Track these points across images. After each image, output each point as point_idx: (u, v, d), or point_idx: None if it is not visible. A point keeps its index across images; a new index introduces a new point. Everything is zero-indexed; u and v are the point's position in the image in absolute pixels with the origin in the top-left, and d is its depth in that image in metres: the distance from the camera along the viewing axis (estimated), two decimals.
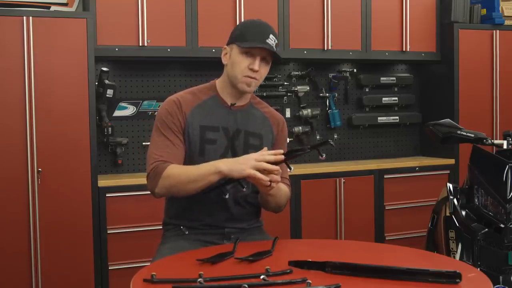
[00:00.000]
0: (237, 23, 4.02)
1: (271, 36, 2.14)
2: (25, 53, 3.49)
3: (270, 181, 1.96)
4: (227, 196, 2.07)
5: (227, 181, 2.03)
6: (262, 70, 2.16)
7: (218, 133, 2.18)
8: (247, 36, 2.14)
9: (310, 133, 4.65)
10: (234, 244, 1.99)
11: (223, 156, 2.14)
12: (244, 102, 2.26)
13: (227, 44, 2.21)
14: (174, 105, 2.18)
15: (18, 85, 3.49)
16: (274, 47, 2.15)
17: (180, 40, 3.97)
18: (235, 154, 2.18)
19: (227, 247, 1.99)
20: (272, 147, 2.27)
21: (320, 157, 2.01)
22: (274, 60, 2.20)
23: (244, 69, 2.14)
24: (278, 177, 1.98)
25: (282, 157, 1.97)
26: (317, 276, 1.66)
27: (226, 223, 2.21)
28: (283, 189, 2.21)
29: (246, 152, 2.19)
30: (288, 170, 2.09)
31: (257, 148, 2.22)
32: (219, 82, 2.26)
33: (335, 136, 4.80)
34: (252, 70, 2.14)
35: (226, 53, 2.21)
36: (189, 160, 2.16)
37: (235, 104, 2.23)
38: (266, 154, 1.97)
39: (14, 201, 3.50)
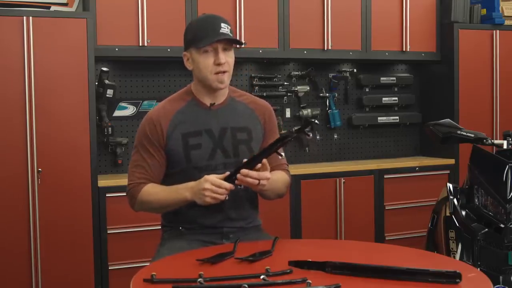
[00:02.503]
0: (237, 23, 4.04)
1: (222, 25, 2.15)
2: (25, 53, 3.49)
3: (259, 179, 1.97)
4: (226, 198, 2.08)
5: None
6: (228, 59, 2.17)
7: (201, 137, 2.18)
8: (200, 35, 2.14)
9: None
10: (234, 244, 1.99)
11: (211, 158, 2.15)
12: (223, 98, 2.25)
13: (185, 50, 2.22)
14: (152, 124, 2.19)
15: (18, 85, 3.49)
16: (229, 34, 2.15)
17: (180, 40, 3.90)
18: (225, 153, 2.18)
19: (227, 247, 1.99)
20: (262, 137, 2.27)
21: (307, 137, 2.02)
22: (236, 43, 2.19)
23: (211, 67, 2.14)
24: (266, 174, 1.99)
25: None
26: (317, 276, 1.66)
27: (224, 223, 2.20)
28: (280, 179, 2.21)
29: (236, 148, 2.19)
30: (279, 157, 2.09)
31: (246, 143, 2.22)
32: (193, 85, 2.26)
33: (335, 136, 4.79)
34: (219, 64, 2.14)
35: (188, 59, 2.22)
36: (178, 168, 2.18)
37: (214, 103, 2.22)
38: (219, 182, 2.00)
39: (14, 201, 3.50)
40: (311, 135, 1.99)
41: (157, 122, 2.18)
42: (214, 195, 1.98)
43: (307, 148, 1.92)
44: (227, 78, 2.18)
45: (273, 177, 2.09)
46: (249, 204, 2.27)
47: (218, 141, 2.19)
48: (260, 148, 2.22)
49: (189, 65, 2.22)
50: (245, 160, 2.02)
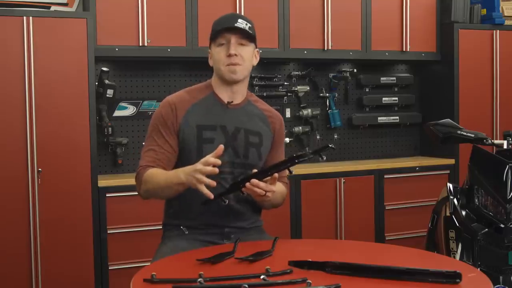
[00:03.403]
0: None
1: (239, 20, 2.17)
2: (25, 53, 3.49)
3: (266, 191, 1.97)
4: (227, 202, 2.08)
5: (225, 191, 2.02)
6: (242, 53, 2.17)
7: (215, 132, 2.18)
8: (216, 28, 2.18)
9: (310, 133, 4.65)
10: (234, 244, 1.99)
11: (221, 155, 2.14)
12: (240, 99, 2.26)
13: (210, 47, 2.25)
14: (168, 107, 2.20)
15: (18, 85, 3.49)
16: (245, 28, 2.15)
17: (180, 40, 3.97)
18: (235, 152, 2.18)
19: (227, 247, 1.99)
20: (270, 145, 2.28)
21: (320, 159, 2.02)
22: (249, 38, 2.19)
23: (223, 60, 2.16)
24: (273, 187, 1.98)
25: (219, 161, 1.91)
26: (317, 276, 1.66)
27: (226, 222, 2.21)
28: (280, 192, 2.21)
29: (247, 150, 2.20)
30: (289, 173, 2.09)
31: (257, 147, 2.23)
32: (213, 81, 2.28)
33: (335, 136, 4.79)
34: (230, 56, 2.15)
35: (211, 57, 2.24)
36: (187, 160, 2.15)
37: (231, 102, 2.23)
38: (206, 163, 1.90)
39: (14, 201, 3.50)
40: (324, 158, 2.00)
41: (173, 107, 2.19)
42: (200, 176, 1.89)
43: (323, 158, 1.99)
44: (239, 70, 2.17)
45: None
46: (251, 205, 2.27)
47: (231, 140, 2.19)
48: (269, 162, 2.23)
49: (210, 62, 2.25)
50: (255, 170, 2.01)
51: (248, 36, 2.18)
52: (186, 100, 2.22)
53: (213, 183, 1.92)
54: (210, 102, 2.23)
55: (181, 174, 2.01)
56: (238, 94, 2.25)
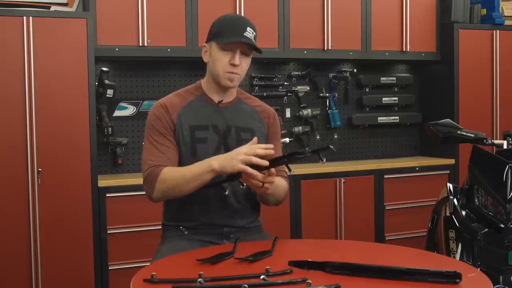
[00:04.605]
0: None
1: (248, 29, 2.16)
2: (25, 53, 3.49)
3: (263, 182, 1.97)
4: (227, 192, 2.08)
5: (224, 179, 2.04)
6: (243, 63, 2.18)
7: (208, 131, 2.19)
8: (225, 32, 2.15)
9: (310, 133, 4.65)
10: (234, 244, 1.99)
11: (215, 153, 2.14)
12: (231, 98, 2.27)
13: (206, 42, 2.23)
14: (161, 108, 2.20)
15: (18, 85, 3.49)
16: (252, 40, 2.16)
17: (180, 40, 3.97)
18: (228, 151, 2.18)
19: (227, 247, 1.99)
20: (265, 141, 2.27)
21: (321, 161, 2.01)
22: (255, 50, 2.20)
23: (225, 65, 2.16)
24: (272, 178, 1.99)
25: (272, 151, 1.98)
26: (317, 276, 1.66)
27: (225, 221, 2.20)
28: (280, 185, 2.21)
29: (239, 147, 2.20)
30: (288, 171, 2.09)
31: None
32: (204, 82, 2.28)
33: (335, 136, 4.79)
34: (233, 65, 2.15)
35: (206, 51, 2.23)
36: (182, 161, 2.16)
37: (222, 101, 2.24)
38: (256, 147, 1.98)
39: (14, 201, 3.50)
40: (324, 160, 1.97)
41: (165, 108, 2.19)
42: (248, 158, 1.93)
43: (323, 160, 1.97)
44: (237, 79, 2.19)
45: (275, 182, 2.09)
46: (251, 204, 2.27)
47: (223, 138, 2.20)
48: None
49: (206, 58, 2.23)
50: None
51: (253, 48, 2.19)
52: (176, 102, 2.22)
53: (265, 162, 1.94)
54: (200, 102, 2.24)
55: (212, 160, 2.02)
56: (228, 94, 2.26)
